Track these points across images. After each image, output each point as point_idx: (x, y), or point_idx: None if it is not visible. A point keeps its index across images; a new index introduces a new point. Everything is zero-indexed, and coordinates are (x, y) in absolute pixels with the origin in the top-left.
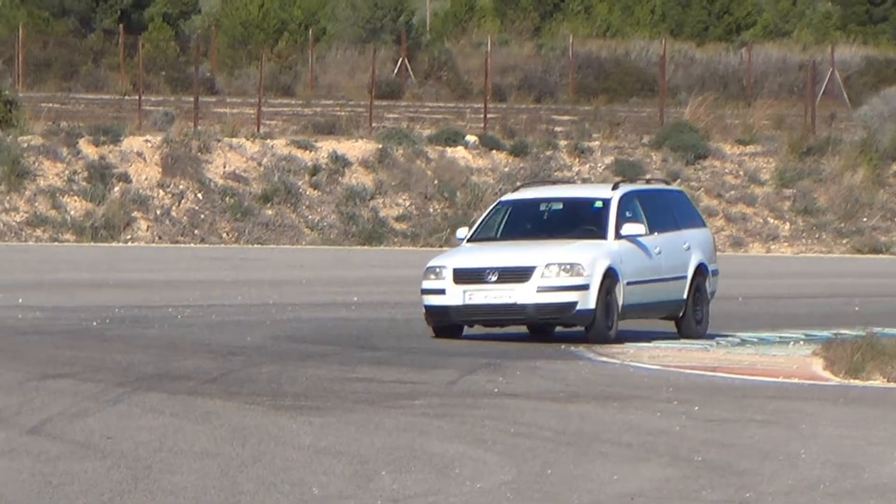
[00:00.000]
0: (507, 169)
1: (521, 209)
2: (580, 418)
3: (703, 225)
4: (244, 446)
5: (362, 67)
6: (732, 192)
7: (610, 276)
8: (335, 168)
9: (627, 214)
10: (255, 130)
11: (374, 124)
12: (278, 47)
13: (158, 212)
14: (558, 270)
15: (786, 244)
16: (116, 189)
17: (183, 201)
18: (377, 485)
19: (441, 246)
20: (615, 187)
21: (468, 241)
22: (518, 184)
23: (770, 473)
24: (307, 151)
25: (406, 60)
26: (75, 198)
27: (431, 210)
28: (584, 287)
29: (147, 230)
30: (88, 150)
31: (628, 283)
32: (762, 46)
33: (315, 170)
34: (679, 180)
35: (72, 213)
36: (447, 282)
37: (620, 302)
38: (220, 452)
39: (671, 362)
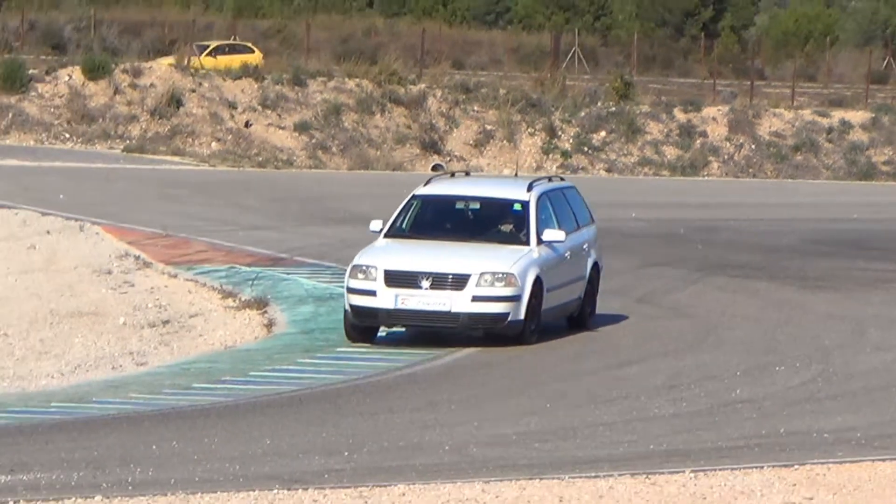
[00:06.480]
0: None
1: (438, 206)
2: None
3: (593, 221)
4: (780, 313)
5: (862, 63)
6: None
7: (538, 286)
8: (842, 129)
9: (543, 217)
10: (790, 104)
11: (868, 100)
12: (806, 49)
13: (725, 157)
14: (492, 280)
15: None
16: (698, 142)
17: (742, 150)
18: (866, 338)
19: None
20: (530, 188)
21: (385, 235)
22: (431, 175)
23: None
24: (824, 118)
25: None
26: (670, 147)
27: None
28: (517, 298)
29: (717, 169)
30: (679, 115)
31: (548, 290)
32: None
33: (829, 130)
34: None
35: (667, 157)
36: (378, 283)
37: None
38: (763, 317)
39: None
